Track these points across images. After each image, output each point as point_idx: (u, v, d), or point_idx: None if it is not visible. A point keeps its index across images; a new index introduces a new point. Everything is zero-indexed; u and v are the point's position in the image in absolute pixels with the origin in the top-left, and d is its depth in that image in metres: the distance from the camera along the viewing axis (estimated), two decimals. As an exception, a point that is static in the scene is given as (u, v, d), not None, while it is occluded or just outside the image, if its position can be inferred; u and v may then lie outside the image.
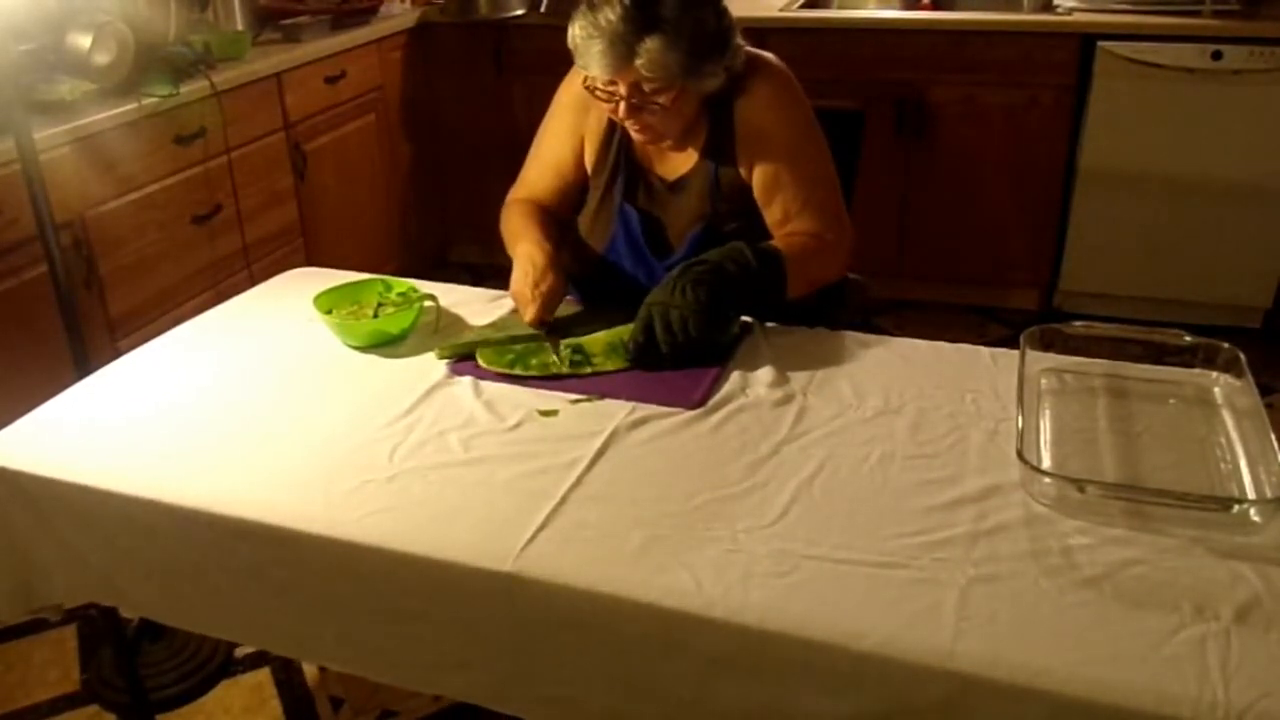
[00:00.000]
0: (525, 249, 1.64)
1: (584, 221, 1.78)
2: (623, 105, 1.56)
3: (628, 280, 1.73)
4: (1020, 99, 3.11)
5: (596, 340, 1.55)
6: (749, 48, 1.66)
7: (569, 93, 1.76)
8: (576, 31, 1.53)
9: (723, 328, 1.54)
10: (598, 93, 1.58)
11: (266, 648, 1.45)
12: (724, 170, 1.67)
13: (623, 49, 1.49)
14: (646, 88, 1.54)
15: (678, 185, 1.71)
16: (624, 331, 1.53)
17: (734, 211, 1.68)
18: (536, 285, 1.58)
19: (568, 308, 1.66)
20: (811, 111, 1.69)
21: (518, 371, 1.49)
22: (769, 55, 1.69)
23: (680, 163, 1.71)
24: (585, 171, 1.77)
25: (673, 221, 1.71)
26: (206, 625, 1.39)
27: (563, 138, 1.77)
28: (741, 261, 1.53)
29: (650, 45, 1.49)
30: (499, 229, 1.79)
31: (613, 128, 1.71)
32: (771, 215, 1.67)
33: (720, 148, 1.66)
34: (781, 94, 1.65)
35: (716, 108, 1.65)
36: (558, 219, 1.79)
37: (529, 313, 1.58)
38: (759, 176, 1.66)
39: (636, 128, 1.61)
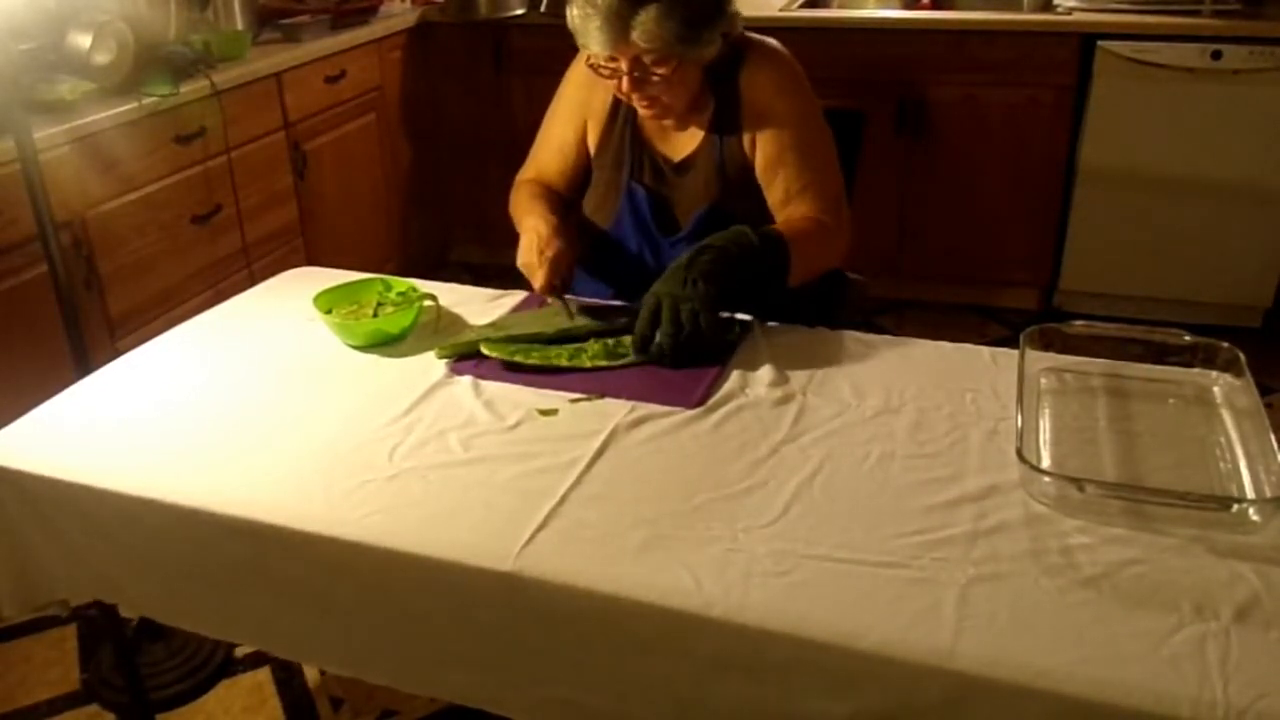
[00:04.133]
0: (530, 222, 1.68)
1: (589, 202, 1.81)
2: (625, 80, 1.59)
3: (632, 260, 1.75)
4: (1020, 99, 3.11)
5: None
6: (753, 34, 1.68)
7: (574, 75, 1.79)
8: (575, 13, 1.57)
9: (727, 325, 1.55)
10: (601, 70, 1.61)
11: (264, 648, 1.45)
12: (729, 146, 1.68)
13: (619, 23, 1.53)
14: (646, 59, 1.57)
15: (683, 166, 1.72)
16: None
17: (739, 191, 1.69)
18: (542, 251, 1.60)
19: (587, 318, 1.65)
20: (815, 98, 1.71)
21: (518, 359, 1.50)
22: (773, 41, 1.71)
23: (685, 143, 1.72)
24: (589, 152, 1.79)
25: (679, 201, 1.73)
26: (205, 625, 1.38)
27: (567, 119, 1.80)
28: (745, 244, 1.54)
29: (645, 17, 1.52)
30: (500, 227, 1.81)
31: (616, 108, 1.74)
32: (773, 194, 1.69)
33: (726, 125, 1.68)
34: (787, 77, 1.68)
35: (721, 85, 1.67)
36: (564, 199, 1.82)
37: (537, 278, 1.60)
38: (762, 155, 1.67)
39: (644, 103, 1.63)
